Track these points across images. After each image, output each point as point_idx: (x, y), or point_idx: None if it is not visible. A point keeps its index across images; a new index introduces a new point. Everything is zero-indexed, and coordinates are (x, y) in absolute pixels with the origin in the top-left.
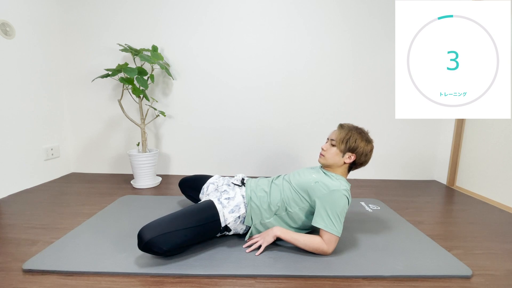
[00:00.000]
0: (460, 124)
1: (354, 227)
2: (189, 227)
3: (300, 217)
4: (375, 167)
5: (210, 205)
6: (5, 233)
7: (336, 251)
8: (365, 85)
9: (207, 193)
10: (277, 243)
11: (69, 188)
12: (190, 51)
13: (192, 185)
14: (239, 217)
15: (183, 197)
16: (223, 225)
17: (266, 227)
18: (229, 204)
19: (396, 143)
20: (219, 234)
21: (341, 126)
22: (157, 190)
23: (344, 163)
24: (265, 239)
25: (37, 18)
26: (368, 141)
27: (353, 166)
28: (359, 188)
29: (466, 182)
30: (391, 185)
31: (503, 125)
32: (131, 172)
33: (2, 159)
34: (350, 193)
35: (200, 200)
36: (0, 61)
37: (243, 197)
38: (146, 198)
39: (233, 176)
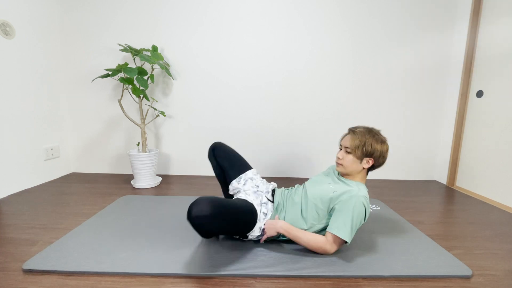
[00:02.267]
0: (460, 124)
1: None
2: (233, 220)
3: (317, 226)
4: None
5: (254, 213)
6: (5, 233)
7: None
8: (365, 85)
9: (244, 189)
10: (279, 243)
11: (69, 188)
12: (190, 51)
13: (229, 160)
14: (260, 228)
15: (183, 197)
16: (250, 237)
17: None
18: (264, 219)
19: (396, 143)
20: (236, 236)
21: (354, 132)
22: (157, 190)
23: (363, 168)
24: (268, 231)
25: (37, 18)
26: (383, 141)
27: (371, 169)
28: None
29: (466, 182)
30: (391, 185)
31: (503, 125)
32: (131, 172)
33: (2, 159)
34: (368, 201)
35: (226, 181)
36: (0, 61)
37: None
38: (146, 198)
39: (265, 179)
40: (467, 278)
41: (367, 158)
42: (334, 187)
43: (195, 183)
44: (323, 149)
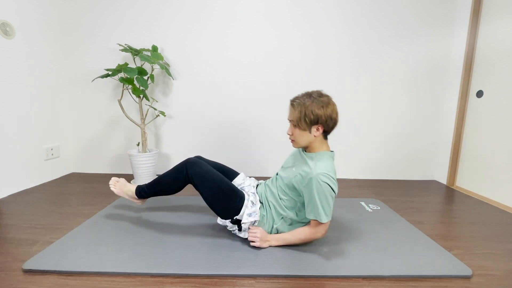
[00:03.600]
0: (460, 124)
1: (354, 227)
2: (219, 189)
3: (302, 211)
4: (375, 167)
5: (240, 195)
6: (5, 233)
7: (336, 251)
8: (365, 85)
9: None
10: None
11: (69, 188)
12: (190, 51)
13: (214, 167)
14: (252, 223)
15: (183, 197)
16: (238, 217)
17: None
18: (251, 207)
19: (396, 143)
20: (231, 227)
21: (292, 103)
22: None
23: (315, 137)
24: (261, 243)
25: (37, 18)
26: (325, 104)
27: (325, 133)
28: (359, 188)
29: (466, 182)
30: (391, 185)
31: (503, 125)
32: (131, 172)
33: (2, 159)
34: (329, 173)
35: None
36: (0, 61)
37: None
38: None
39: (253, 178)
40: (467, 278)
41: (315, 126)
42: (295, 171)
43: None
44: None
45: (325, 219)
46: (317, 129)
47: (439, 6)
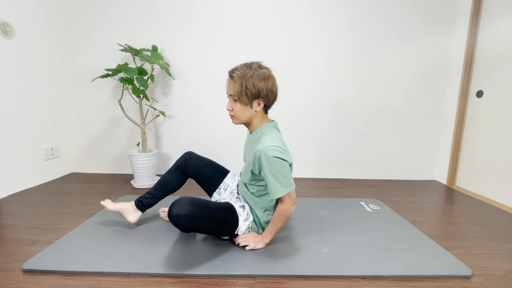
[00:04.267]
0: (460, 124)
1: (354, 227)
2: (215, 220)
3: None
4: (375, 167)
5: (232, 210)
6: (5, 233)
7: (336, 251)
8: (365, 85)
9: (223, 197)
10: (279, 243)
11: (69, 188)
12: (190, 51)
13: (204, 166)
14: (249, 225)
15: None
16: (236, 232)
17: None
18: (243, 212)
19: (396, 143)
20: (226, 237)
21: (231, 75)
22: None
23: (256, 112)
24: (255, 244)
25: (37, 18)
26: (266, 77)
27: (266, 108)
28: (359, 188)
29: (466, 182)
30: (391, 185)
31: (503, 125)
32: (131, 172)
33: (2, 159)
34: (275, 144)
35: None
36: (0, 61)
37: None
38: None
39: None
40: (467, 278)
41: (256, 100)
42: (249, 157)
43: (195, 183)
44: (323, 149)
45: (284, 191)
46: (258, 104)
47: (439, 6)
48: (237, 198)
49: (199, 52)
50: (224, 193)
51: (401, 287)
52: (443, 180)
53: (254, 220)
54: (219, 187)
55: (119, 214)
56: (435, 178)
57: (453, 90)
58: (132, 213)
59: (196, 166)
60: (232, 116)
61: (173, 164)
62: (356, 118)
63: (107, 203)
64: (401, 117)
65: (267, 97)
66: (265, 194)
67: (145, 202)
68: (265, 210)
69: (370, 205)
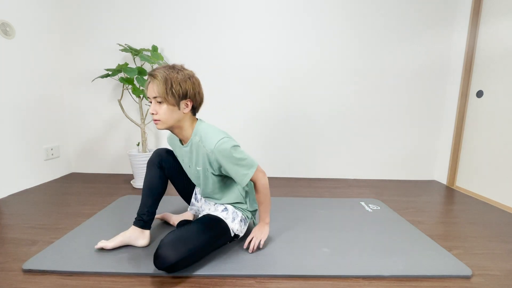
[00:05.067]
0: (460, 124)
1: (354, 227)
2: (206, 245)
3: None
4: (375, 167)
5: (218, 220)
6: (5, 233)
7: (336, 251)
8: (365, 85)
9: (200, 205)
10: (279, 242)
11: (69, 188)
12: (190, 51)
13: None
14: (241, 220)
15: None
16: (232, 234)
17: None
18: (227, 215)
19: (396, 143)
20: (229, 242)
21: (154, 76)
22: None
23: (184, 113)
24: (262, 234)
25: (37, 18)
26: (191, 76)
27: (194, 111)
28: (359, 188)
29: (466, 182)
30: (391, 185)
31: (503, 125)
32: (131, 172)
33: (2, 159)
34: (220, 135)
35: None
36: (0, 61)
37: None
38: None
39: None
40: (467, 278)
41: (184, 101)
42: (199, 164)
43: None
44: (323, 148)
45: (252, 171)
46: (186, 105)
47: (439, 6)
48: (215, 204)
49: (199, 52)
50: (201, 201)
51: (401, 287)
52: (443, 180)
53: (243, 213)
54: (194, 192)
55: (119, 214)
56: (435, 178)
57: (453, 90)
58: (140, 237)
59: (171, 162)
60: (157, 121)
61: (147, 165)
62: (356, 118)
63: (105, 243)
64: (401, 117)
65: (194, 98)
66: (234, 185)
67: (145, 218)
68: (245, 198)
69: (370, 205)
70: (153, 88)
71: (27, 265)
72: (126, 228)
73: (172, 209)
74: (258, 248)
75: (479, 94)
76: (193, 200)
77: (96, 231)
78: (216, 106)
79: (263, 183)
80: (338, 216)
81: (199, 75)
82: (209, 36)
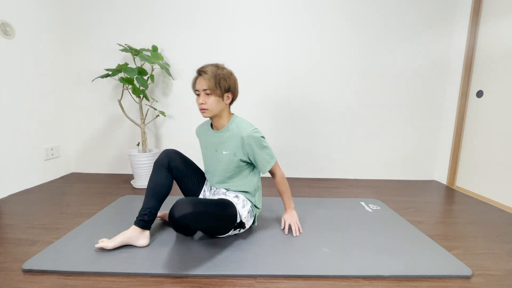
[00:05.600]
0: (460, 124)
1: (354, 227)
2: (216, 214)
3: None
4: (375, 167)
5: (228, 201)
6: (5, 233)
7: (336, 251)
8: (365, 85)
9: (213, 192)
10: (279, 242)
11: (69, 188)
12: (190, 51)
13: (187, 165)
14: (248, 212)
15: (183, 197)
16: (238, 220)
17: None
18: (238, 201)
19: (396, 143)
20: (232, 232)
21: (204, 72)
22: None
23: (226, 104)
24: (295, 218)
25: (37, 18)
26: (231, 74)
27: (231, 103)
28: (359, 188)
29: (466, 182)
30: (391, 185)
31: (503, 125)
32: (131, 172)
33: (2, 159)
34: (254, 125)
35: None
36: (0, 61)
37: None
38: None
39: None
40: (467, 278)
41: (227, 94)
42: (229, 148)
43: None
44: (323, 148)
45: (273, 160)
46: (228, 97)
47: (439, 6)
48: (224, 194)
49: (199, 52)
50: (208, 194)
51: (401, 287)
52: (443, 180)
53: (251, 205)
54: (203, 189)
55: (118, 214)
56: (435, 178)
57: (453, 90)
58: (140, 237)
59: (179, 164)
60: (205, 110)
61: (154, 166)
62: (356, 118)
63: (105, 243)
64: (401, 117)
65: (234, 91)
66: (250, 177)
67: (147, 218)
68: (255, 192)
69: (370, 205)
70: (204, 82)
71: (27, 265)
72: (126, 228)
73: None
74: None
75: (479, 94)
76: (201, 197)
77: (96, 231)
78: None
79: (281, 173)
80: (338, 216)
81: None
82: (210, 35)
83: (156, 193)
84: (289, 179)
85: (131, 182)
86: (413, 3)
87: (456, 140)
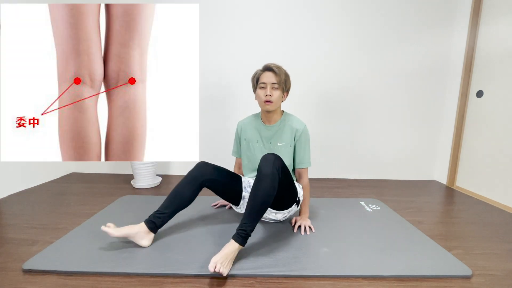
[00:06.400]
0: (460, 124)
1: (354, 227)
2: (290, 178)
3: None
4: (375, 167)
5: (289, 178)
6: (5, 233)
7: (336, 251)
8: (365, 85)
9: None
10: (279, 241)
11: (69, 188)
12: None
13: (221, 177)
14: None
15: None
16: (298, 196)
17: None
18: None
19: (396, 143)
20: (289, 210)
21: (278, 68)
22: (157, 190)
23: (282, 101)
24: (307, 222)
25: None
26: (289, 76)
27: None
28: (359, 188)
29: (466, 182)
30: (391, 185)
31: (503, 125)
32: (131, 172)
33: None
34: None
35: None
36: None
37: None
38: (146, 198)
39: None
40: (467, 278)
41: (286, 92)
42: (275, 141)
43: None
44: (323, 148)
45: (309, 163)
46: (285, 95)
47: (439, 6)
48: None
49: (199, 51)
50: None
51: (401, 287)
52: (443, 180)
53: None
54: (244, 186)
55: (118, 214)
56: (435, 178)
57: (453, 90)
58: (144, 237)
59: (213, 178)
60: (270, 102)
61: (187, 176)
62: (356, 118)
63: (111, 229)
64: (401, 117)
65: (288, 92)
66: (290, 167)
67: (158, 222)
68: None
69: (370, 205)
70: (274, 77)
71: (27, 265)
72: None
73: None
74: (310, 230)
75: (479, 94)
76: (244, 193)
77: (96, 231)
78: (216, 105)
79: (308, 181)
80: (338, 216)
81: (198, 74)
82: (210, 35)
83: (177, 204)
84: None
85: (131, 182)
86: (413, 3)
87: (456, 140)
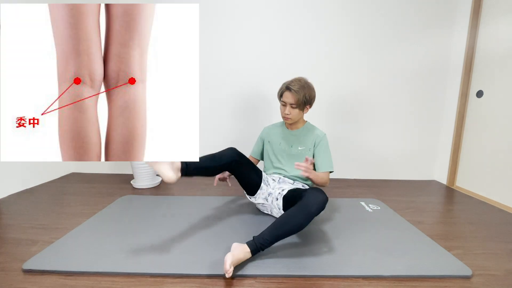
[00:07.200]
0: (460, 124)
1: (354, 227)
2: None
3: None
4: (375, 167)
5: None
6: (5, 233)
7: (336, 251)
8: (365, 85)
9: (272, 187)
10: (277, 243)
11: (69, 188)
12: None
13: (249, 168)
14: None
15: (183, 197)
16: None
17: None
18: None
19: (396, 143)
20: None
21: (293, 89)
22: (157, 190)
23: (303, 113)
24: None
25: None
26: (313, 89)
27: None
28: (359, 188)
29: (466, 182)
30: (391, 185)
31: (503, 125)
32: (131, 172)
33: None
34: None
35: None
36: None
37: None
38: (146, 198)
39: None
40: (467, 278)
41: (307, 106)
42: (304, 144)
43: (195, 183)
44: None
45: (331, 168)
46: (307, 109)
47: (439, 6)
48: (293, 182)
49: (199, 51)
50: (273, 184)
51: (401, 287)
52: (443, 180)
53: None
54: (264, 179)
55: (118, 214)
56: (435, 178)
57: (453, 90)
58: (174, 170)
59: (241, 161)
60: (288, 118)
61: (219, 152)
62: (356, 118)
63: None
64: (401, 117)
65: (312, 104)
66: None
67: (191, 166)
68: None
69: (370, 205)
70: (292, 98)
71: (27, 265)
72: (126, 228)
73: (187, 210)
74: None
75: (479, 94)
76: (263, 185)
77: (96, 231)
78: (217, 105)
79: (327, 181)
80: (338, 216)
81: (199, 74)
82: (210, 35)
83: (212, 164)
84: None
85: (131, 182)
86: (413, 3)
87: (456, 140)
